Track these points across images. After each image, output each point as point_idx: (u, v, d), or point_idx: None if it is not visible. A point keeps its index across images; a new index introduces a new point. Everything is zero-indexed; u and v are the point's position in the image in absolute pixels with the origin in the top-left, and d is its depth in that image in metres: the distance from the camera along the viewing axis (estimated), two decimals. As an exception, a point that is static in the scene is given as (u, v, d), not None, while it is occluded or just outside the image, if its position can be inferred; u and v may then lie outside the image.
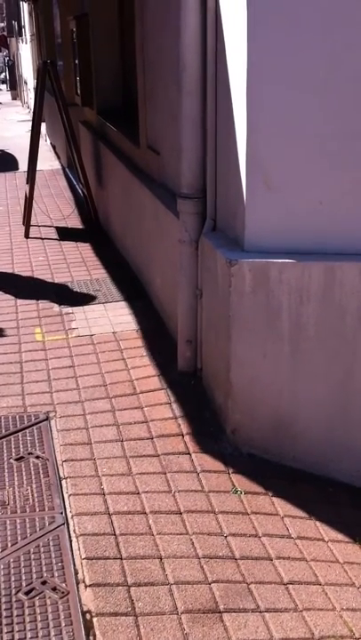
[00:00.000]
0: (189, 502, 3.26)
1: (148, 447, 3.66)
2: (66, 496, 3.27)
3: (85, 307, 5.49)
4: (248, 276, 3.40)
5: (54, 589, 2.73)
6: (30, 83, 17.86)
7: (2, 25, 32.93)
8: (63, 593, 2.71)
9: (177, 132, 3.99)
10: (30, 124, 8.47)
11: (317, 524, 3.25)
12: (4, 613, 2.62)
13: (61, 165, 11.50)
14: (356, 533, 3.23)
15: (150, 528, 3.08)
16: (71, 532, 3.04)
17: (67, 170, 10.84)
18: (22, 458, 3.58)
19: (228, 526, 3.14)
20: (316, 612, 2.71)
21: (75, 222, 8.09)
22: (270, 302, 3.42)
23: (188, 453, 3.62)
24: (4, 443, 3.71)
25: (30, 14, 16.97)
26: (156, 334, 4.89)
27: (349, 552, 3.11)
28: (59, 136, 10.59)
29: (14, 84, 26.84)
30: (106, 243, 7.20)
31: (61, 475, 3.44)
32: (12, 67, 26.93)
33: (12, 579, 2.79)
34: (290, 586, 2.83)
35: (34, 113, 7.96)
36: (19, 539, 3.01)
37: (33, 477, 3.42)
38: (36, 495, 3.29)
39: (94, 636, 2.52)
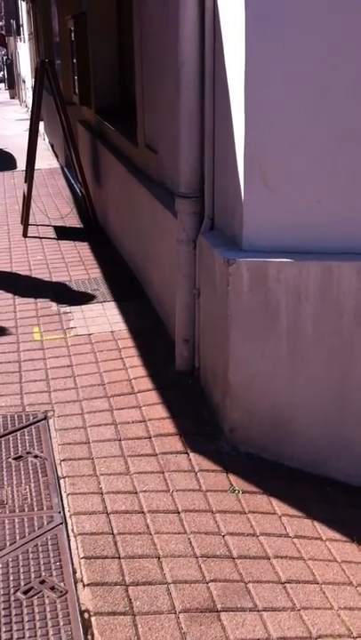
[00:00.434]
0: (187, 501, 3.27)
1: (145, 446, 3.66)
2: (64, 495, 3.28)
3: (83, 306, 5.49)
4: (246, 275, 3.40)
5: (52, 589, 2.73)
6: (28, 81, 17.85)
7: (0, 24, 32.91)
8: (61, 592, 2.72)
9: (175, 131, 3.99)
10: (28, 122, 8.47)
11: (315, 523, 3.26)
12: (3, 613, 2.62)
13: (59, 164, 11.50)
14: (353, 532, 3.23)
15: (148, 527, 3.08)
16: (69, 532, 3.04)
17: (65, 169, 10.84)
18: (21, 457, 3.58)
19: (225, 525, 3.14)
20: (313, 610, 2.71)
21: (73, 221, 8.09)
22: (268, 301, 3.42)
23: (186, 452, 3.62)
24: (3, 442, 3.71)
25: (28, 13, 16.96)
26: (154, 333, 4.90)
27: (347, 551, 3.11)
28: (57, 135, 10.59)
29: (12, 83, 26.82)
30: (104, 242, 7.20)
31: (60, 474, 3.44)
32: (11, 65, 26.91)
33: (11, 578, 2.79)
34: (287, 585, 2.84)
35: (32, 112, 7.96)
36: (17, 538, 3.01)
37: (31, 476, 3.42)
38: (34, 494, 3.29)
39: (92, 635, 2.53)
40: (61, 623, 2.57)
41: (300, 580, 2.87)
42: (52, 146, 12.74)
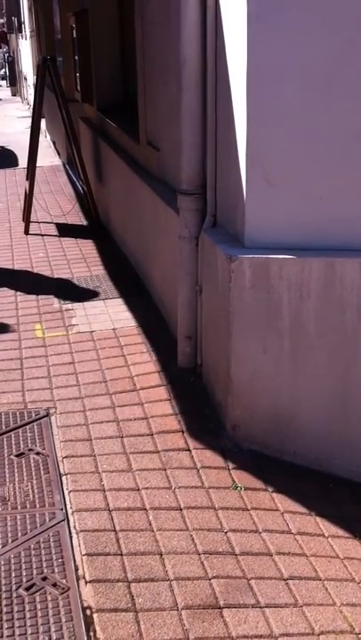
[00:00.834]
0: (189, 498, 3.27)
1: (148, 443, 3.66)
2: (66, 492, 3.28)
3: (85, 303, 5.49)
4: (248, 271, 3.40)
5: (55, 585, 2.73)
6: (30, 79, 17.84)
7: (1, 21, 32.88)
8: (63, 589, 2.72)
9: (177, 128, 3.99)
10: (30, 120, 8.47)
11: (317, 519, 3.25)
12: (5, 609, 2.62)
13: (61, 162, 11.49)
14: (356, 529, 3.23)
15: (150, 524, 3.08)
16: (71, 528, 3.04)
17: (67, 166, 10.83)
18: (22, 454, 3.58)
19: (228, 522, 3.14)
20: (316, 607, 2.71)
21: (75, 219, 8.08)
22: (270, 298, 3.42)
23: (189, 449, 3.62)
24: (5, 439, 3.71)
25: (30, 10, 16.94)
26: (157, 330, 4.89)
27: (350, 547, 3.11)
28: (58, 132, 10.58)
29: (14, 81, 26.80)
30: (106, 239, 7.19)
31: (62, 471, 3.44)
32: (12, 63, 26.88)
33: (13, 575, 2.79)
34: (290, 581, 2.84)
35: (34, 109, 7.95)
36: (19, 535, 3.01)
37: (33, 473, 3.42)
38: (36, 491, 3.29)
39: (94, 631, 2.53)
40: (63, 620, 2.58)
41: (302, 576, 2.87)
42: (54, 143, 12.73)
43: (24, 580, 2.77)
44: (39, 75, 7.65)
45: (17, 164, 11.65)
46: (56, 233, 7.53)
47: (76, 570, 2.81)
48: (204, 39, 3.68)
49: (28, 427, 3.82)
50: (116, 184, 6.67)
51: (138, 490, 3.30)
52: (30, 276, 6.20)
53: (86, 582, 2.74)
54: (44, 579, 2.77)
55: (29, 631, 2.53)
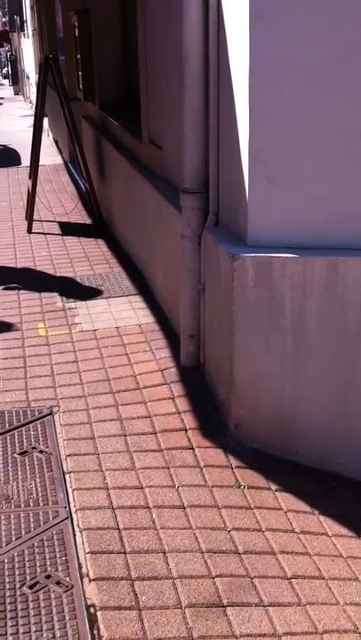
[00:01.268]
0: (193, 497, 3.27)
1: (151, 442, 3.66)
2: (70, 490, 3.28)
3: (88, 302, 5.49)
4: (251, 270, 3.40)
5: (58, 583, 2.74)
6: (32, 78, 17.84)
7: (4, 20, 32.88)
8: (67, 587, 2.72)
9: (179, 127, 3.99)
10: (32, 118, 8.46)
11: (321, 518, 3.26)
12: (9, 607, 2.63)
13: (64, 160, 11.49)
14: (359, 528, 3.24)
15: (154, 522, 3.09)
16: (75, 527, 3.05)
17: (69, 165, 10.83)
18: (26, 452, 3.59)
19: (231, 521, 3.14)
20: (319, 606, 2.72)
21: (77, 217, 8.08)
22: (273, 297, 3.42)
23: (192, 448, 3.62)
24: (8, 437, 3.72)
25: (32, 9, 16.93)
26: (160, 329, 4.90)
27: (353, 546, 3.11)
28: (61, 131, 10.58)
29: (16, 79, 26.79)
30: (109, 238, 7.19)
31: (65, 469, 3.44)
32: (14, 62, 26.88)
33: (17, 573, 2.80)
34: (293, 580, 2.84)
35: (36, 108, 7.95)
36: (23, 533, 3.02)
37: (37, 472, 3.43)
38: (39, 489, 3.30)
39: (98, 629, 2.53)
40: (67, 618, 2.58)
41: (305, 575, 2.88)
42: (57, 142, 12.73)
43: (28, 577, 2.77)
44: (41, 73, 7.65)
45: (19, 163, 11.65)
46: (59, 231, 7.53)
47: (80, 568, 2.82)
48: (206, 37, 3.68)
49: (31, 425, 3.83)
50: (119, 182, 6.67)
51: (141, 488, 3.31)
52: (33, 275, 6.21)
53: (90, 580, 2.75)
54: (48, 577, 2.78)
55: (33, 629, 2.54)
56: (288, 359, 3.52)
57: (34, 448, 3.63)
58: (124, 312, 5.25)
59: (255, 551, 2.97)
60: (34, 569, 2.82)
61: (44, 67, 7.54)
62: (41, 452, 3.59)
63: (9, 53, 29.16)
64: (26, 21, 20.09)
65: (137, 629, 2.53)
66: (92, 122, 8.32)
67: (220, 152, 3.80)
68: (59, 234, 7.44)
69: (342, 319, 3.43)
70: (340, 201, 3.39)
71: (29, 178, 7.91)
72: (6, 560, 2.86)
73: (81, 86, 8.15)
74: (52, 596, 2.68)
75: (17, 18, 22.88)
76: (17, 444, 3.66)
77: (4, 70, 34.09)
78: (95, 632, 2.52)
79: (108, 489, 3.29)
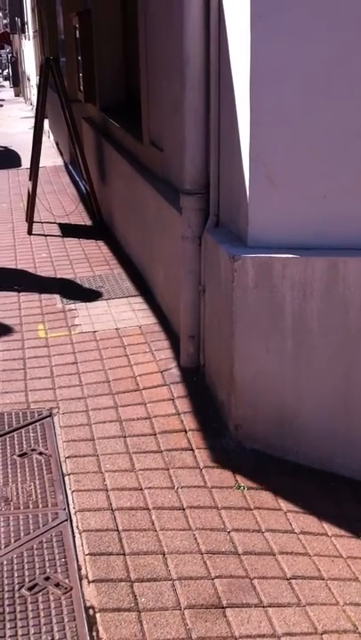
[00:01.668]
0: (192, 498, 3.26)
1: (151, 443, 3.66)
2: (69, 492, 3.28)
3: (88, 303, 5.49)
4: (251, 271, 3.39)
5: (57, 585, 2.73)
6: (33, 79, 17.85)
7: (5, 21, 32.91)
8: (66, 589, 2.71)
9: (180, 128, 3.99)
10: (33, 120, 8.46)
11: (321, 519, 3.25)
12: (8, 609, 2.62)
13: (64, 162, 11.49)
14: (359, 528, 3.23)
15: (153, 524, 3.08)
16: (74, 528, 3.04)
17: (70, 166, 10.83)
18: (25, 454, 3.58)
19: (231, 522, 3.14)
20: (319, 606, 2.71)
21: (78, 219, 8.09)
22: (274, 297, 3.42)
23: (192, 449, 3.62)
24: (7, 439, 3.71)
25: (33, 10, 16.95)
26: (160, 330, 4.89)
27: (353, 547, 3.10)
28: (62, 132, 10.59)
29: (17, 81, 26.81)
30: (109, 239, 7.19)
31: (64, 471, 3.44)
32: (15, 63, 26.91)
33: (16, 574, 2.79)
34: (293, 581, 2.83)
35: (37, 110, 7.95)
36: (22, 535, 3.01)
37: (36, 473, 3.42)
38: (39, 491, 3.29)
39: (97, 631, 2.52)
40: (66, 619, 2.57)
41: (305, 575, 2.87)
42: (57, 143, 12.74)
43: (27, 579, 2.76)
44: (42, 75, 7.66)
45: (20, 165, 11.66)
46: (59, 233, 7.53)
47: (79, 569, 2.81)
48: (207, 38, 3.68)
49: (30, 427, 3.82)
50: (120, 184, 6.67)
51: (141, 489, 3.30)
52: (33, 276, 6.20)
53: (89, 582, 2.74)
54: (47, 578, 2.77)
55: (32, 631, 2.53)
56: (288, 360, 3.51)
57: (33, 450, 3.62)
58: (124, 313, 5.25)
59: (255, 552, 2.97)
60: (33, 571, 2.81)
61: (45, 68, 7.54)
62: (40, 453, 3.58)
63: (10, 55, 29.18)
64: (27, 23, 20.12)
65: (136, 631, 2.53)
66: (92, 123, 8.33)
67: (220, 153, 3.80)
68: (59, 235, 7.45)
69: (343, 319, 3.42)
70: (341, 201, 3.39)
71: (30, 179, 7.91)
72: (5, 562, 2.85)
73: (82, 88, 8.15)
74: (51, 597, 2.68)
75: (18, 19, 22.91)
76: (16, 446, 3.65)
77: (5, 72, 34.14)
78: (94, 634, 2.52)
79: (107, 490, 3.28)
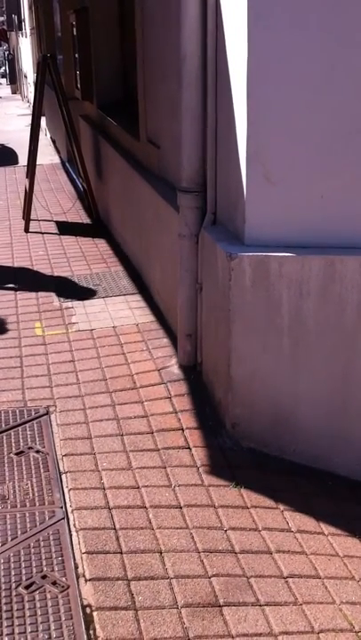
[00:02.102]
0: (189, 496, 3.26)
1: (148, 441, 3.66)
2: (66, 490, 3.27)
3: (85, 301, 5.48)
4: (248, 269, 3.39)
5: (54, 583, 2.73)
6: (30, 77, 17.82)
7: (2, 19, 32.84)
8: (63, 587, 2.71)
9: (177, 126, 3.98)
10: (30, 118, 8.46)
11: (317, 517, 3.25)
12: (4, 607, 2.62)
13: (61, 160, 11.48)
14: (356, 527, 3.23)
15: (150, 522, 3.08)
16: (71, 527, 3.04)
17: (67, 164, 10.82)
18: (22, 452, 3.58)
19: (227, 520, 3.14)
20: (315, 605, 2.71)
21: (75, 217, 8.08)
22: (270, 296, 3.42)
23: (189, 448, 3.62)
24: (4, 437, 3.71)
25: (30, 8, 16.92)
26: (157, 328, 4.89)
27: (349, 545, 3.11)
28: (59, 130, 10.57)
29: (14, 78, 26.76)
30: (106, 237, 7.19)
31: (61, 469, 3.44)
32: (12, 61, 26.85)
33: (12, 573, 2.79)
34: (290, 579, 2.83)
35: (34, 107, 7.94)
36: (19, 533, 3.01)
37: (33, 472, 3.42)
38: (36, 489, 3.29)
39: (94, 630, 2.53)
40: (63, 618, 2.57)
41: (302, 574, 2.87)
42: (54, 141, 12.72)
43: (24, 578, 2.76)
44: (39, 72, 7.64)
45: (17, 162, 11.64)
46: (56, 231, 7.52)
47: (76, 568, 2.81)
48: (204, 36, 3.67)
49: (27, 425, 3.82)
50: (117, 182, 6.67)
51: (138, 488, 3.30)
52: (30, 274, 6.20)
53: (86, 580, 2.74)
54: (44, 577, 2.77)
55: (29, 629, 2.53)
56: (285, 358, 3.51)
57: (30, 448, 3.62)
58: (121, 311, 5.25)
59: (252, 550, 2.97)
60: (30, 569, 2.81)
61: (42, 66, 7.53)
62: (37, 451, 3.58)
63: (7, 52, 29.13)
64: (24, 20, 20.08)
65: (133, 629, 2.53)
66: (89, 121, 8.32)
67: (217, 151, 3.80)
68: (56, 233, 7.44)
69: (340, 318, 3.42)
70: (338, 200, 3.38)
71: (27, 177, 7.90)
72: (2, 560, 2.85)
73: (79, 85, 8.15)
74: (48, 596, 2.68)
75: (15, 17, 22.87)
76: (13, 444, 3.65)
77: (2, 69, 34.06)
78: (91, 632, 2.52)
79: (104, 489, 3.28)
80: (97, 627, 2.53)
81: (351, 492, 3.54)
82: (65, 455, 3.53)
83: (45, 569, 2.81)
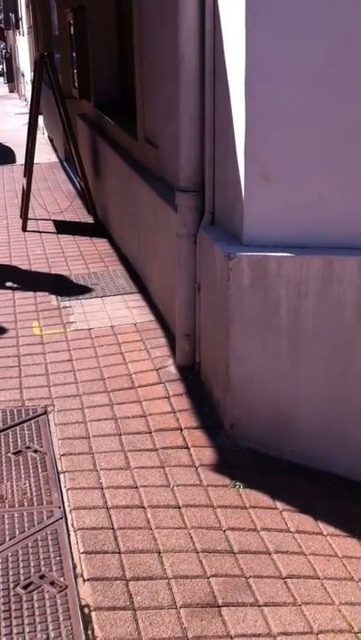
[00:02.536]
0: (188, 496, 3.26)
1: (146, 441, 3.65)
2: (64, 490, 3.27)
3: (83, 300, 5.48)
4: (247, 269, 3.39)
5: (52, 583, 2.73)
6: (28, 75, 17.80)
7: (-1, 17, 32.78)
8: (61, 587, 2.71)
9: (175, 125, 3.98)
10: (27, 116, 8.44)
11: (316, 518, 3.25)
12: (2, 608, 2.61)
13: (59, 158, 11.47)
14: (355, 527, 3.23)
15: (149, 522, 3.08)
16: (69, 526, 3.03)
17: (64, 163, 10.81)
18: (20, 452, 3.58)
19: (226, 520, 3.13)
20: (314, 606, 2.71)
21: (72, 215, 8.07)
22: (269, 296, 3.41)
23: (187, 448, 3.61)
24: (2, 436, 3.70)
25: (27, 6, 16.90)
26: (155, 328, 4.89)
27: (348, 546, 3.11)
28: (56, 129, 10.57)
29: (11, 77, 26.74)
30: (104, 236, 7.18)
31: (59, 469, 3.43)
32: (10, 59, 26.83)
33: (10, 573, 2.78)
34: (288, 580, 2.83)
35: (31, 106, 7.93)
36: (17, 533, 3.00)
37: (31, 471, 3.42)
38: (34, 489, 3.28)
39: (92, 630, 2.52)
40: (61, 618, 2.57)
41: (301, 575, 2.87)
42: (52, 140, 12.71)
43: (22, 578, 2.76)
44: (36, 71, 7.63)
45: (14, 161, 11.63)
46: (54, 230, 7.51)
47: (74, 568, 2.80)
48: (202, 35, 3.67)
49: (25, 424, 3.81)
50: (114, 181, 6.66)
51: (136, 488, 3.30)
52: (28, 274, 6.19)
53: (84, 580, 2.74)
54: (42, 577, 2.76)
55: (27, 630, 2.52)
56: (284, 358, 3.51)
57: (28, 447, 3.61)
58: (119, 311, 5.24)
59: (250, 551, 2.97)
60: (28, 569, 2.80)
61: (40, 64, 7.52)
62: (35, 451, 3.58)
63: (4, 51, 29.10)
64: (21, 19, 20.06)
65: (131, 630, 2.52)
66: (87, 120, 8.31)
67: (215, 150, 3.79)
68: (54, 232, 7.43)
69: (338, 318, 3.42)
70: (337, 199, 3.38)
71: (24, 176, 7.89)
72: (0, 560, 2.85)
73: (76, 84, 8.14)
74: (46, 596, 2.67)
75: (12, 15, 22.84)
76: (11, 444, 3.64)
77: (0, 68, 34.03)
78: (89, 632, 2.51)
79: (102, 488, 3.28)
80: (95, 627, 2.53)
81: (350, 491, 3.54)
82: (63, 455, 3.53)
83: (43, 569, 2.80)
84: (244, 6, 3.16)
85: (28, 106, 9.69)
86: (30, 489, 3.29)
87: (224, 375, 3.63)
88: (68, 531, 3.01)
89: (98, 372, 4.34)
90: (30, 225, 7.62)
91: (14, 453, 3.56)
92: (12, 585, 2.72)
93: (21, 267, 6.37)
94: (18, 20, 21.29)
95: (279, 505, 3.29)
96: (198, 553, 2.92)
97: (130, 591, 2.69)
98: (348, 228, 3.40)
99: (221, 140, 3.67)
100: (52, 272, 6.18)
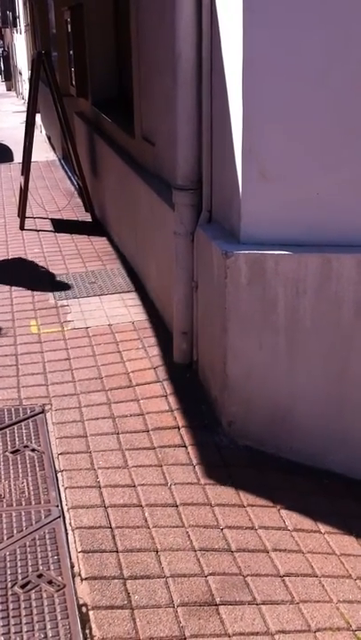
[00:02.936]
0: (185, 495, 3.26)
1: (143, 440, 3.65)
2: (62, 489, 3.27)
3: (81, 299, 5.47)
4: (244, 267, 3.38)
5: (50, 583, 2.73)
6: (25, 73, 17.78)
7: (-4, 15, 32.73)
8: (59, 586, 2.71)
9: (172, 123, 3.97)
10: (25, 115, 8.43)
11: (314, 516, 3.25)
12: (0, 607, 2.61)
13: (56, 157, 11.46)
14: (352, 525, 3.23)
15: (146, 521, 3.07)
16: (67, 525, 3.03)
17: (62, 161, 10.80)
18: (18, 451, 3.57)
19: (224, 519, 3.13)
20: (312, 604, 2.71)
21: (70, 214, 8.06)
22: (266, 294, 3.41)
23: (185, 446, 3.61)
24: (0, 436, 3.70)
25: (25, 4, 16.87)
26: (152, 327, 4.88)
27: (346, 544, 3.10)
28: (54, 127, 10.55)
29: (9, 75, 26.72)
30: (101, 234, 7.17)
31: (57, 468, 3.43)
32: (7, 57, 26.81)
33: (8, 572, 2.78)
34: (286, 578, 2.83)
35: (28, 104, 7.92)
36: (14, 532, 3.00)
37: (29, 470, 3.41)
38: (31, 488, 3.28)
39: (90, 629, 2.52)
40: (59, 617, 2.57)
41: (298, 573, 2.87)
42: (49, 138, 12.70)
43: (19, 577, 2.76)
44: (34, 69, 7.62)
45: (12, 159, 11.61)
46: (51, 228, 7.50)
47: (72, 567, 2.80)
48: (199, 33, 3.66)
49: (23, 423, 3.81)
50: (112, 179, 6.65)
51: (134, 486, 3.30)
52: (25, 272, 6.18)
53: (82, 579, 2.73)
54: (40, 576, 2.76)
55: (25, 629, 2.52)
56: (281, 356, 3.51)
57: (26, 446, 3.61)
58: (116, 309, 5.24)
59: (248, 549, 2.97)
60: (25, 568, 2.80)
61: (37, 63, 7.51)
62: (33, 450, 3.57)
63: (1, 49, 29.06)
64: (18, 17, 20.02)
65: (129, 629, 2.52)
66: (84, 118, 8.30)
67: (213, 148, 3.79)
68: (51, 231, 7.42)
69: (336, 316, 3.42)
70: (335, 197, 3.38)
71: (22, 174, 7.87)
72: (-2, 559, 2.85)
73: (74, 82, 8.12)
74: (44, 595, 2.67)
75: (9, 13, 22.81)
76: (9, 443, 3.64)
77: (-3, 66, 33.97)
78: (87, 632, 2.51)
79: (100, 487, 3.27)
80: (93, 626, 2.53)
81: (347, 489, 3.54)
82: (61, 454, 3.52)
83: (41, 568, 2.80)
84: (241, 4, 3.15)
85: (26, 104, 9.67)
86: (28, 488, 3.28)
87: (222, 373, 3.62)
88: (65, 529, 3.01)
89: (95, 371, 4.34)
90: (28, 223, 7.61)
91: (12, 452, 3.56)
92: (9, 584, 2.72)
93: (19, 265, 6.36)
94: (15, 17, 21.26)
95: (277, 503, 3.29)
96: (196, 551, 2.92)
97: (127, 590, 2.69)
98: (346, 226, 3.40)
99: (219, 138, 3.67)
100: (50, 271, 6.17)
